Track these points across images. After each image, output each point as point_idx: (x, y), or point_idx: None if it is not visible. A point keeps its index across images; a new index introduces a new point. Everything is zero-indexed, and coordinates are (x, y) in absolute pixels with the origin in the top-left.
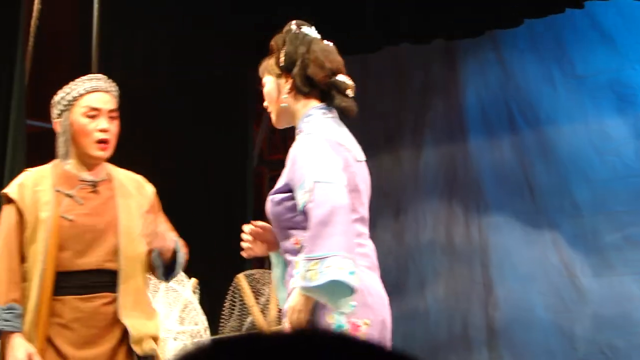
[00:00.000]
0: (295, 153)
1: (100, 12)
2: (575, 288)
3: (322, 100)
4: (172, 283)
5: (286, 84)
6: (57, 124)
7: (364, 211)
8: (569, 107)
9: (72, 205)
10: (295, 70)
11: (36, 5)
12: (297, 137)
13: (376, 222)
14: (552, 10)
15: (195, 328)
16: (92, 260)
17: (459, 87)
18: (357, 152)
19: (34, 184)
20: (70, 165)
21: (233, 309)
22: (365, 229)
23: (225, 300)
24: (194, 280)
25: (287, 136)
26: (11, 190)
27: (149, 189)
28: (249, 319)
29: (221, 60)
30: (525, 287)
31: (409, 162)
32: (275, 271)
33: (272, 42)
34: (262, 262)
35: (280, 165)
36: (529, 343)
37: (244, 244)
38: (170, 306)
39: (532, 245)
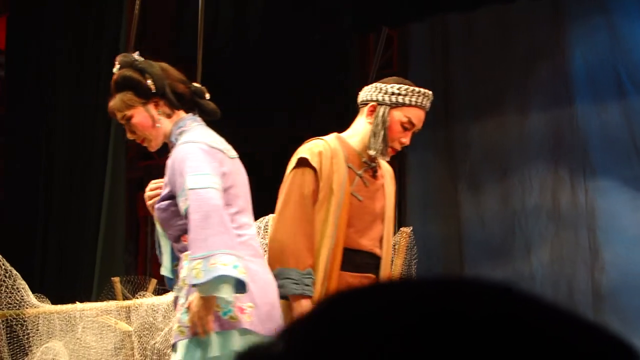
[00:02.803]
0: (173, 161)
1: None
2: None
3: (187, 111)
4: None
5: (157, 108)
6: (373, 109)
7: (243, 203)
8: None
9: (360, 185)
10: (166, 90)
11: None
12: (173, 148)
13: (481, 186)
14: None
15: None
16: (367, 242)
17: (566, 51)
18: (228, 150)
19: (332, 156)
20: (357, 144)
21: None
22: (246, 219)
23: None
24: None
25: None
26: (311, 157)
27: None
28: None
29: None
30: (632, 251)
31: (514, 126)
32: (165, 258)
33: (115, 81)
34: None
35: None
36: (635, 308)
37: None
38: None
39: (639, 209)
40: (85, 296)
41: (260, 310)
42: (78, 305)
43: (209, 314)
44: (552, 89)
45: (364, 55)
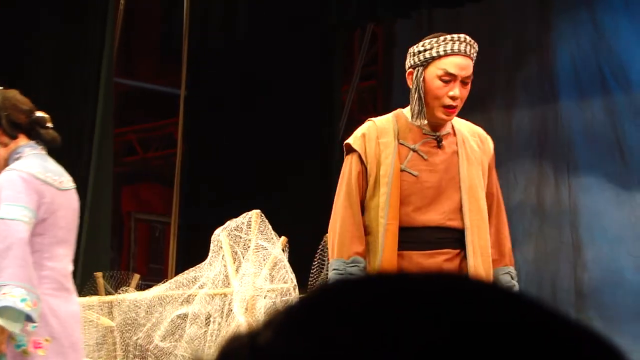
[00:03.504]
0: None
1: None
2: None
3: (29, 138)
4: (262, 241)
5: None
6: (410, 76)
7: (63, 234)
8: None
9: (416, 160)
10: (2, 121)
11: None
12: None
13: None
14: None
15: (285, 286)
16: (436, 217)
17: (551, 48)
18: (60, 182)
19: (377, 135)
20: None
21: (322, 267)
22: (62, 250)
23: (315, 259)
24: (283, 239)
25: (377, 96)
26: (354, 141)
27: (490, 144)
28: None
29: (309, 21)
30: (614, 249)
31: (500, 122)
32: None
33: None
34: None
35: None
36: (618, 305)
37: None
38: (260, 264)
39: (622, 206)
40: None
41: (60, 344)
42: None
43: (2, 338)
44: (538, 86)
45: (349, 51)
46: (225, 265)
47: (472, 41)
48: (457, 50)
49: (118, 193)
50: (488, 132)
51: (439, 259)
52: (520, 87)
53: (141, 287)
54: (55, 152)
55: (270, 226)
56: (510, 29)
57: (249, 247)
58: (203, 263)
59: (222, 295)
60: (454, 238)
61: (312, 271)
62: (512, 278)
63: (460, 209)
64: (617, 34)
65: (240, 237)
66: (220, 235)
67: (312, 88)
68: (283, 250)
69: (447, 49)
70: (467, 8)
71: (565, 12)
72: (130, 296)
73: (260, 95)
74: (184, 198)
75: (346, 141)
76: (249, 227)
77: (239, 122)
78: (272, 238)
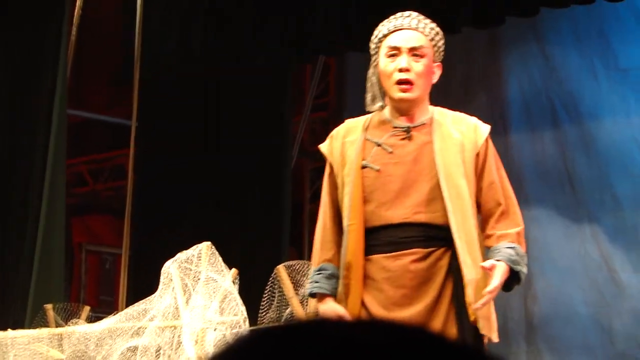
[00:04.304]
0: None
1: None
2: (614, 283)
3: None
4: (212, 273)
5: None
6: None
7: None
8: (612, 101)
9: (380, 154)
10: None
11: None
12: None
13: None
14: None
15: (235, 319)
16: (398, 212)
17: (501, 79)
18: None
19: (344, 135)
20: (387, 111)
21: (272, 300)
22: None
23: (265, 291)
24: (234, 271)
25: (328, 128)
26: (323, 144)
27: (481, 132)
28: (288, 310)
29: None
30: (564, 281)
31: None
32: None
33: None
34: (302, 254)
35: (322, 156)
36: (568, 337)
37: None
38: (210, 297)
39: (572, 239)
40: (19, 324)
41: None
42: (10, 332)
43: None
44: (488, 118)
45: (301, 82)
46: (175, 298)
47: (422, 17)
48: (400, 25)
49: (68, 224)
50: None
51: (405, 261)
52: None
53: (91, 319)
54: (7, 183)
55: (220, 258)
56: (460, 62)
57: (199, 279)
58: (153, 295)
59: (172, 328)
60: (424, 235)
61: (262, 304)
62: (517, 255)
63: (429, 201)
64: (567, 66)
65: (191, 269)
66: (171, 268)
67: (264, 119)
68: (233, 283)
69: (390, 26)
70: None
71: (515, 44)
72: (80, 328)
73: (212, 126)
74: (134, 229)
75: (319, 145)
76: (199, 259)
77: (190, 153)
78: (223, 270)
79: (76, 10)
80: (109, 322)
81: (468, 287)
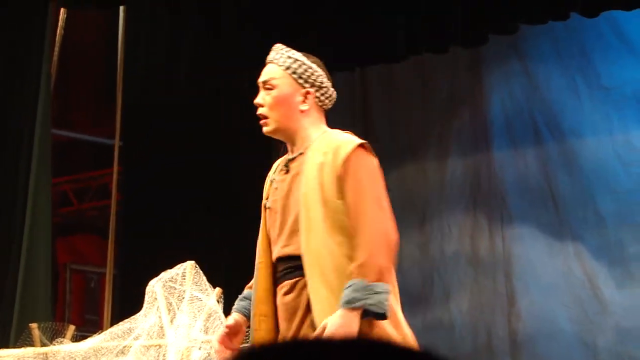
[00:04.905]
0: None
1: (126, 22)
2: (598, 300)
3: None
4: (197, 292)
5: None
6: None
7: None
8: (594, 119)
9: (271, 191)
10: None
11: (62, 15)
12: None
13: (401, 232)
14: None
15: None
16: (277, 247)
17: (484, 98)
18: None
19: (269, 175)
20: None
21: None
22: None
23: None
24: (218, 290)
25: None
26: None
27: (343, 151)
28: None
29: (246, 70)
30: (548, 299)
31: (433, 173)
32: None
33: None
34: None
35: None
36: (552, 355)
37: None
38: (195, 315)
39: (555, 256)
40: (3, 343)
41: None
42: None
43: None
44: (471, 136)
45: None
46: (160, 317)
47: (283, 47)
48: (265, 63)
49: (53, 243)
50: (422, 183)
51: (280, 294)
52: (453, 138)
53: (76, 338)
54: None
55: (204, 277)
56: (443, 80)
57: (183, 298)
58: (138, 314)
59: (157, 347)
60: (291, 267)
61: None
62: (355, 290)
63: (292, 234)
64: (549, 83)
65: (175, 288)
66: (155, 286)
67: (249, 140)
68: (218, 302)
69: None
70: (398, 64)
71: (497, 62)
72: (65, 347)
73: (196, 145)
74: (119, 249)
75: None
76: (184, 278)
77: (175, 173)
78: (207, 289)
79: (58, 30)
80: (94, 341)
81: (316, 319)
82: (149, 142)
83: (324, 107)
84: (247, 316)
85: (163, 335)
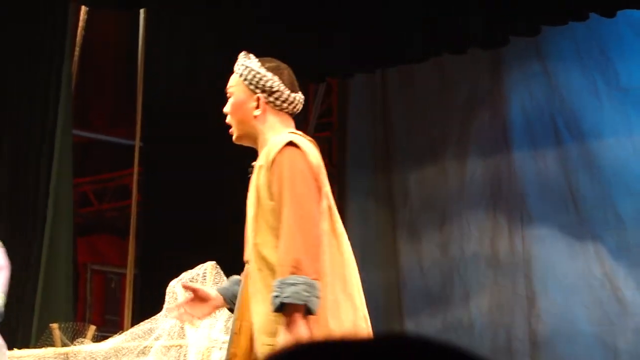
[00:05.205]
0: None
1: (146, 23)
2: (618, 301)
3: None
4: None
5: None
6: None
7: None
8: (614, 119)
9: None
10: None
11: (82, 16)
12: None
13: (421, 233)
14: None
15: None
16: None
17: (504, 98)
18: None
19: None
20: None
21: None
22: None
23: None
24: None
25: (332, 148)
26: None
27: (272, 153)
28: None
29: None
30: (568, 300)
31: (453, 174)
32: None
33: None
34: None
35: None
36: (572, 355)
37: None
38: (215, 316)
39: (576, 257)
40: (24, 343)
41: None
42: (15, 352)
43: None
44: (491, 137)
45: (304, 102)
46: None
47: (244, 55)
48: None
49: (73, 244)
50: (442, 183)
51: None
52: (473, 138)
53: (97, 339)
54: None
55: (225, 277)
56: (462, 81)
57: None
58: (159, 314)
59: (178, 347)
60: (244, 270)
61: None
62: (274, 291)
63: (246, 238)
64: (569, 83)
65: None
66: (176, 287)
67: None
68: None
69: None
70: (418, 65)
71: (517, 62)
72: (86, 348)
73: (216, 145)
74: (139, 249)
75: None
76: (204, 279)
77: (195, 173)
78: None
79: (79, 30)
80: (115, 342)
81: (254, 328)
82: (168, 143)
83: (285, 111)
84: (225, 296)
85: (184, 335)
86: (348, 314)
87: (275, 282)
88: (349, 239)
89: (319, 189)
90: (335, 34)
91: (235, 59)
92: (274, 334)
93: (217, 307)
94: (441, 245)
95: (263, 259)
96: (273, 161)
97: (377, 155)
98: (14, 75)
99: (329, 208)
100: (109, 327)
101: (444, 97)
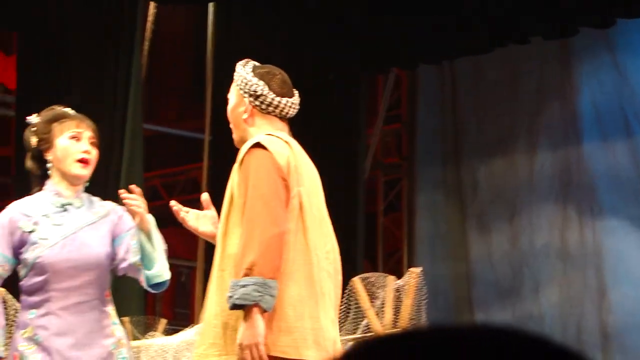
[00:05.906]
0: None
1: (215, 17)
2: None
3: None
4: None
5: None
6: None
7: None
8: None
9: None
10: None
11: (151, 10)
12: None
13: (491, 225)
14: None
15: None
16: None
17: (574, 90)
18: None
19: None
20: None
21: (348, 312)
22: None
23: (341, 304)
24: None
25: (401, 140)
26: None
27: (241, 154)
28: (364, 322)
29: (333, 64)
30: (639, 292)
31: (523, 165)
32: None
33: None
34: (376, 266)
35: (395, 169)
36: None
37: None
38: None
39: None
40: None
41: None
42: None
43: None
44: (560, 129)
45: (373, 94)
46: None
47: (242, 62)
48: None
49: None
50: (511, 175)
51: None
52: (543, 130)
53: (168, 332)
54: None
55: None
56: (532, 72)
57: None
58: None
59: None
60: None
61: (338, 316)
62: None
63: None
64: (639, 75)
65: None
66: None
67: (337, 131)
68: None
69: None
70: (486, 55)
71: (587, 54)
72: (157, 341)
73: None
74: (209, 243)
75: None
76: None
77: None
78: None
79: (148, 24)
80: (186, 335)
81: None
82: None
83: (273, 114)
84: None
85: None
86: (313, 310)
87: (230, 284)
88: (419, 232)
89: (287, 189)
90: (400, 28)
91: (303, 53)
92: (207, 340)
93: (216, 224)
94: (511, 238)
95: (229, 257)
96: (242, 162)
97: (447, 148)
98: (84, 70)
99: (301, 208)
100: (179, 321)
101: (513, 89)
